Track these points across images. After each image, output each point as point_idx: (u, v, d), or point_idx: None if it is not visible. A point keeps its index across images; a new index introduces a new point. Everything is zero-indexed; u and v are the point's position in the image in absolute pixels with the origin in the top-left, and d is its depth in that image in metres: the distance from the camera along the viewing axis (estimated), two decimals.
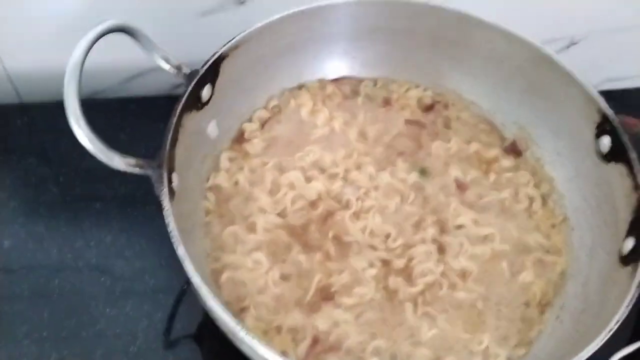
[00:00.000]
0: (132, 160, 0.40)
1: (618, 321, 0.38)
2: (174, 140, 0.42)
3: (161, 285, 0.55)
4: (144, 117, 0.68)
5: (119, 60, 0.68)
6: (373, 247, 0.48)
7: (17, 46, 0.67)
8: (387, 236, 0.48)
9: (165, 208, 0.38)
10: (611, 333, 0.38)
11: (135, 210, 0.60)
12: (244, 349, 0.37)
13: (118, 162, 0.39)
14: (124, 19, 0.46)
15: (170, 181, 0.40)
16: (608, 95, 0.81)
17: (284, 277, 0.45)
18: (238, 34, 0.48)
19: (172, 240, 0.37)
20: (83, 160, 0.62)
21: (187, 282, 0.55)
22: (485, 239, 0.50)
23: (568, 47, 0.79)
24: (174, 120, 0.42)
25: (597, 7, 0.73)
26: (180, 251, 0.36)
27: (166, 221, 0.37)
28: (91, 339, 0.52)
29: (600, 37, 0.77)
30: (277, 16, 0.50)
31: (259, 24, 0.49)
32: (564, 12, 0.73)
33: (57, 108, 0.67)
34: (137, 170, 0.40)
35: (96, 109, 0.67)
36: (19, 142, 0.65)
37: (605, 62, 0.80)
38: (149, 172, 0.40)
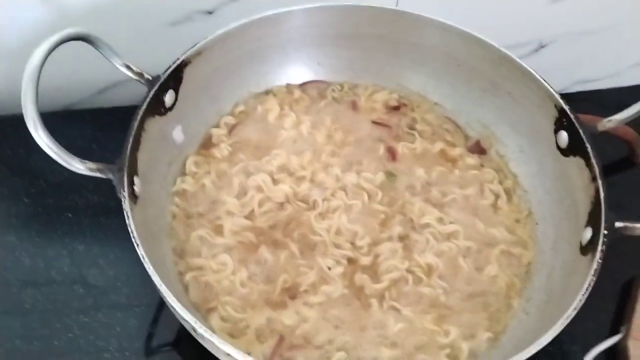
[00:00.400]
0: (92, 165, 0.40)
1: (576, 308, 0.39)
2: (136, 144, 0.43)
3: (135, 294, 0.55)
4: (116, 128, 0.68)
5: (91, 72, 0.68)
6: (338, 246, 0.49)
7: None
8: (354, 235, 0.49)
9: (126, 210, 0.38)
10: (569, 319, 0.38)
11: (108, 219, 0.60)
12: (210, 348, 0.37)
13: (78, 165, 0.40)
14: (90, 29, 0.47)
15: (132, 184, 0.41)
16: (579, 96, 0.83)
17: (251, 278, 0.46)
18: (199, 41, 0.49)
19: (133, 240, 0.37)
20: (54, 171, 0.63)
21: None
22: (450, 235, 0.50)
23: (537, 50, 0.80)
24: (135, 124, 0.43)
25: (564, 11, 0.74)
26: (140, 250, 0.37)
27: (127, 222, 0.38)
28: (64, 347, 0.52)
29: (568, 40, 0.79)
30: (237, 23, 0.51)
31: (220, 31, 0.50)
32: (532, 16, 0.75)
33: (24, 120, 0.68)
34: (97, 174, 0.40)
35: (70, 121, 0.69)
36: None
37: (575, 65, 0.82)
38: (109, 175, 0.40)
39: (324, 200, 0.51)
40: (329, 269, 0.47)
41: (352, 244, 0.49)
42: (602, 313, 0.59)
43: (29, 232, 0.59)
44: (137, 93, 0.73)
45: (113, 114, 0.71)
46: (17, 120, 0.66)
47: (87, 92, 0.73)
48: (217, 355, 0.37)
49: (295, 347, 0.43)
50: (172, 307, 0.35)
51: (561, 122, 0.50)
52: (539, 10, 0.74)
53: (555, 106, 0.50)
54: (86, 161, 0.40)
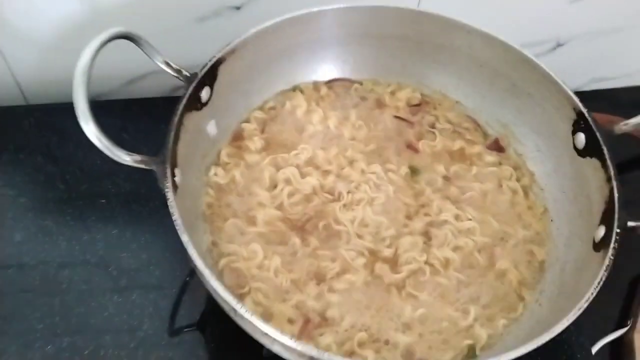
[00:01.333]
0: (137, 157, 0.43)
1: (588, 300, 0.41)
2: (176, 138, 0.45)
3: (165, 276, 0.58)
4: (145, 118, 0.71)
5: (121, 64, 0.71)
6: (361, 237, 0.51)
7: (24, 51, 0.70)
8: (378, 226, 0.52)
9: (169, 200, 0.41)
10: (581, 311, 0.41)
11: (140, 205, 0.63)
12: (248, 328, 0.40)
13: (125, 157, 0.42)
14: (127, 26, 0.50)
15: (173, 175, 0.43)
16: (594, 94, 0.84)
17: (281, 265, 0.49)
18: (234, 39, 0.51)
19: (177, 228, 0.40)
20: (87, 159, 0.67)
21: (191, 272, 0.58)
22: (467, 232, 0.53)
23: (554, 48, 0.82)
24: (176, 119, 0.45)
25: (583, 11, 0.76)
26: (184, 238, 0.39)
27: (171, 211, 0.40)
28: (100, 325, 0.55)
29: (585, 39, 0.80)
30: (271, 22, 0.53)
31: (254, 30, 0.52)
32: (551, 15, 0.76)
33: (61, 110, 0.71)
34: (142, 166, 0.43)
35: (100, 111, 0.71)
36: (27, 142, 0.68)
37: (590, 63, 0.84)
38: (153, 167, 0.43)
39: (348, 192, 0.53)
40: (352, 260, 0.50)
41: (375, 235, 0.51)
42: (609, 307, 0.61)
43: (64, 217, 0.62)
44: (162, 84, 0.76)
45: (141, 105, 0.74)
46: (51, 110, 0.70)
47: (116, 83, 0.75)
48: (253, 335, 0.40)
49: (321, 327, 0.46)
50: (215, 290, 0.37)
51: (579, 124, 0.52)
52: (558, 9, 0.76)
53: (574, 109, 0.52)
54: (132, 154, 0.43)
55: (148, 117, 0.72)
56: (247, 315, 0.36)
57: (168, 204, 0.41)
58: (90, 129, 0.41)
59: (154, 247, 0.60)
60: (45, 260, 0.59)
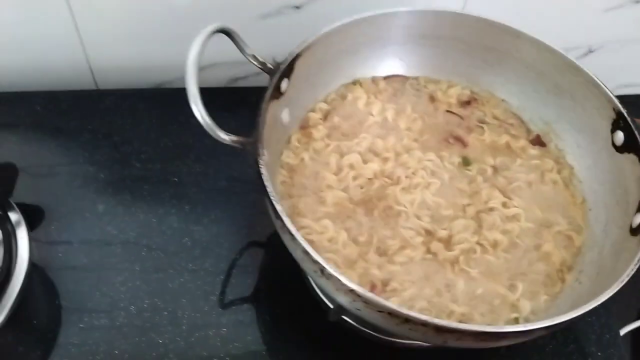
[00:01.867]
0: (234, 137, 0.49)
1: (628, 275, 0.46)
2: (263, 122, 0.51)
3: (233, 248, 0.65)
4: (209, 106, 0.77)
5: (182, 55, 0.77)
6: (419, 218, 0.57)
7: (99, 40, 0.77)
8: (433, 209, 0.57)
9: (264, 174, 0.47)
10: (622, 284, 0.46)
11: (208, 185, 0.70)
12: (328, 287, 0.45)
13: (225, 137, 0.48)
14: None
15: (262, 155, 0.49)
16: (621, 99, 0.90)
17: (349, 239, 0.54)
18: (309, 37, 0.57)
19: (272, 199, 0.46)
20: (159, 141, 0.73)
21: (251, 244, 0.64)
22: (513, 217, 0.58)
23: (586, 54, 0.87)
24: (265, 106, 0.51)
25: (614, 20, 0.81)
26: (278, 207, 0.45)
27: (265, 184, 0.46)
28: (177, 289, 0.61)
29: (616, 46, 0.85)
30: (340, 22, 0.59)
31: (326, 29, 0.58)
32: (585, 22, 0.82)
33: (132, 95, 0.77)
34: (237, 145, 0.49)
35: (166, 98, 0.77)
36: (103, 124, 0.74)
37: (619, 70, 0.89)
38: (247, 147, 0.49)
39: (407, 177, 0.59)
40: (410, 238, 0.55)
41: (432, 217, 0.57)
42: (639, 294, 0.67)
43: (141, 193, 0.68)
44: (221, 76, 0.82)
45: (205, 93, 0.80)
46: (122, 95, 0.77)
47: (180, 73, 0.81)
48: (334, 294, 0.45)
49: (385, 293, 0.51)
50: (307, 252, 0.43)
51: (618, 123, 0.57)
52: (592, 17, 0.81)
53: (614, 109, 0.57)
54: (231, 134, 0.49)
55: (213, 105, 0.78)
56: (336, 273, 0.42)
57: (262, 178, 0.47)
58: (200, 111, 0.47)
59: (222, 222, 0.66)
60: (125, 230, 0.65)
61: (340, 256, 0.54)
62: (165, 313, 0.59)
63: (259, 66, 0.55)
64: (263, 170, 0.47)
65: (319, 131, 0.62)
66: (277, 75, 0.54)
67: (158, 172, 0.70)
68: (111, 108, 0.76)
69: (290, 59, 0.56)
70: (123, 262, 0.62)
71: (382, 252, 0.55)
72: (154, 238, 0.65)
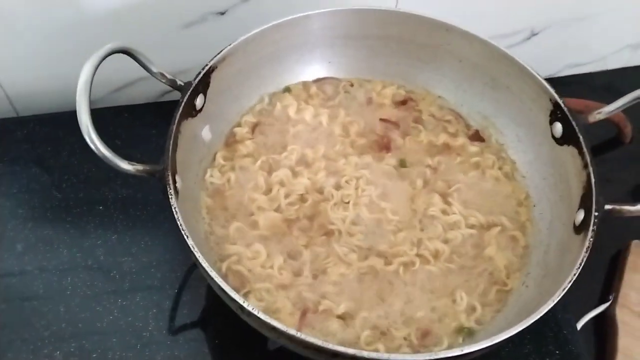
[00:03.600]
0: (139, 167, 0.45)
1: (570, 281, 0.44)
2: (175, 145, 0.47)
3: (166, 277, 0.60)
4: (136, 124, 0.73)
5: (108, 72, 0.72)
6: (351, 234, 0.53)
7: (13, 65, 0.71)
8: (366, 224, 0.54)
9: (173, 206, 0.43)
10: (565, 291, 0.43)
11: (137, 210, 0.65)
12: (254, 323, 0.42)
13: (127, 167, 0.44)
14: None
15: (174, 182, 0.45)
16: (570, 80, 0.88)
17: (283, 263, 0.51)
18: (224, 47, 0.53)
19: (183, 233, 0.42)
20: (82, 166, 0.68)
21: (189, 271, 0.60)
22: (454, 224, 0.55)
23: (529, 37, 0.85)
24: (174, 127, 0.47)
25: (553, 0, 0.79)
26: (190, 242, 0.41)
27: (175, 217, 0.42)
28: (106, 328, 0.57)
29: (558, 27, 0.83)
30: (258, 29, 0.55)
31: (242, 37, 0.54)
32: (523, 5, 0.79)
33: (51, 119, 0.72)
34: (144, 174, 0.45)
35: (93, 118, 0.72)
36: (20, 153, 0.69)
37: (565, 50, 0.87)
38: (155, 175, 0.45)
39: (339, 188, 0.55)
40: (345, 255, 0.52)
41: (365, 232, 0.53)
42: (592, 283, 0.65)
43: (64, 225, 0.63)
44: (151, 91, 0.77)
45: (130, 111, 0.75)
46: (41, 120, 0.72)
47: (102, 91, 0.76)
48: (260, 330, 0.42)
49: (319, 316, 0.48)
50: (222, 289, 0.40)
51: (556, 114, 0.54)
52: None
53: (550, 100, 0.55)
54: (134, 163, 0.45)
55: (139, 123, 0.73)
56: (255, 311, 0.39)
57: (173, 210, 0.43)
58: (94, 142, 0.42)
59: (154, 250, 0.62)
60: (47, 268, 0.60)
61: (273, 283, 0.50)
62: (95, 355, 0.55)
63: (168, 84, 0.51)
64: (172, 202, 0.43)
65: (247, 146, 0.58)
66: (188, 93, 0.50)
67: (81, 202, 0.65)
68: (30, 136, 0.71)
69: (203, 73, 0.52)
70: (46, 304, 0.58)
71: (317, 272, 0.51)
72: (79, 274, 0.60)
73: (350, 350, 0.38)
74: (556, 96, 0.54)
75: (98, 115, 0.72)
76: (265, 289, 0.49)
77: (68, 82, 0.74)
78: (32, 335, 0.56)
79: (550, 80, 0.57)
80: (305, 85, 0.64)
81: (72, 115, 0.75)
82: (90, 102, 0.76)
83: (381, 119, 0.61)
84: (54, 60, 0.72)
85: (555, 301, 0.43)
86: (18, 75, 0.73)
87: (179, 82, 0.50)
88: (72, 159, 0.69)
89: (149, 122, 0.72)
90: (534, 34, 0.84)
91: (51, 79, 0.74)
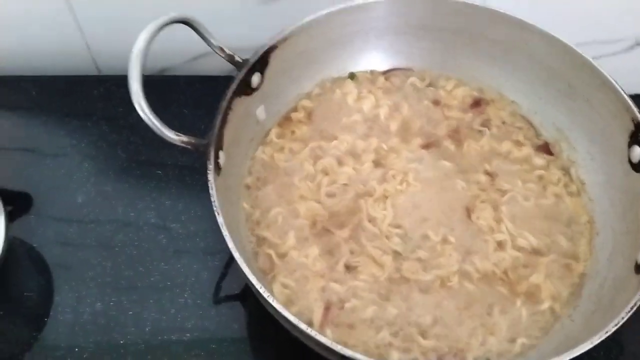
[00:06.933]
0: (184, 138, 0.45)
1: (618, 324, 0.40)
2: (223, 122, 0.47)
3: (211, 249, 0.61)
4: (206, 95, 0.74)
5: (186, 41, 0.74)
6: (389, 238, 0.51)
7: (99, 25, 0.74)
8: (406, 228, 0.51)
9: (210, 181, 0.43)
10: (609, 334, 0.40)
11: (193, 180, 0.66)
12: (270, 310, 0.42)
13: (173, 137, 0.45)
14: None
15: (217, 157, 0.45)
16: None
17: (320, 254, 0.50)
18: (287, 27, 0.52)
19: (214, 209, 0.42)
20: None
21: None
22: (501, 244, 0.51)
23: (633, 47, 0.77)
24: (224, 104, 0.47)
25: None
26: (219, 220, 0.41)
27: (210, 192, 0.43)
28: (145, 288, 0.59)
29: None
30: (325, 11, 0.53)
31: (307, 18, 0.53)
32: (631, 8, 0.72)
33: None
34: (188, 147, 0.45)
35: (164, 85, 0.75)
36: (95, 110, 0.72)
37: None
38: (200, 149, 0.45)
39: (383, 182, 0.53)
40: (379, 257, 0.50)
41: (404, 237, 0.51)
42: None
43: (123, 184, 0.66)
44: (225, 63, 0.78)
45: (203, 82, 0.77)
46: (121, 81, 0.74)
47: (180, 59, 0.78)
48: (276, 317, 0.42)
49: (343, 313, 0.47)
50: (242, 271, 0.40)
51: (636, 136, 0.49)
52: (636, 6, 0.71)
53: (632, 120, 0.49)
54: (180, 134, 0.45)
55: (209, 94, 0.74)
56: (269, 299, 0.38)
57: (208, 185, 0.43)
58: (143, 110, 0.43)
59: (203, 221, 0.63)
60: (102, 222, 0.63)
61: (304, 272, 0.49)
62: (131, 313, 0.57)
63: (226, 59, 0.51)
64: (210, 177, 0.43)
65: (301, 130, 0.57)
66: (244, 70, 0.50)
67: (143, 164, 0.67)
68: (106, 95, 0.74)
69: (261, 51, 0.51)
70: (95, 258, 0.60)
71: (349, 269, 0.50)
72: (129, 233, 0.62)
73: (359, 356, 0.36)
74: (639, 116, 0.49)
75: (172, 83, 0.76)
76: (294, 277, 0.49)
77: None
78: (78, 285, 0.59)
79: (637, 97, 0.51)
80: (373, 73, 0.62)
81: (147, 80, 0.78)
82: (168, 68, 0.80)
83: (446, 116, 0.58)
84: (138, 22, 0.74)
85: (595, 343, 0.39)
86: (103, 35, 0.75)
87: (236, 58, 0.50)
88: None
89: (220, 95, 0.73)
90: (638, 44, 0.77)
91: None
